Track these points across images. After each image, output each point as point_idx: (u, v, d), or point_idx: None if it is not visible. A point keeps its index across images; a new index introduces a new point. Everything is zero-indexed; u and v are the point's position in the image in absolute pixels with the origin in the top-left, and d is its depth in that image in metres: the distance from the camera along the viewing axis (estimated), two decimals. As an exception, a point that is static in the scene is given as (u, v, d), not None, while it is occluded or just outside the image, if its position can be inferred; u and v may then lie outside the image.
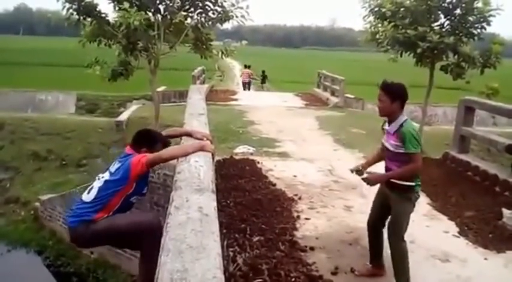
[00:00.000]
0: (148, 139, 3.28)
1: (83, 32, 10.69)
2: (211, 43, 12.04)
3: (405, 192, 3.48)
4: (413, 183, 3.47)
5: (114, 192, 2.99)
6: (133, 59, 10.83)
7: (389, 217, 3.59)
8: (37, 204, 10.93)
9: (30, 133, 15.10)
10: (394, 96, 3.40)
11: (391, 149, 3.47)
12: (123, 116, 15.38)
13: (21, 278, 8.89)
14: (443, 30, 10.23)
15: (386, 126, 3.57)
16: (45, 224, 10.52)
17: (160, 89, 17.01)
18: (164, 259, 1.71)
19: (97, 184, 3.05)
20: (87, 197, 3.03)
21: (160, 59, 11.02)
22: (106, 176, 3.08)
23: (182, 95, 16.09)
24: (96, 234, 2.97)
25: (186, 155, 3.02)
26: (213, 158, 3.21)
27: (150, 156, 3.02)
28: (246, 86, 22.09)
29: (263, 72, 23.57)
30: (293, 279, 3.58)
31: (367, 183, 3.57)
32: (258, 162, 7.31)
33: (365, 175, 3.58)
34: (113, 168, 3.10)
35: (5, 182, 13.21)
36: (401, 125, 3.39)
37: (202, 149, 3.12)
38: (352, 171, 3.76)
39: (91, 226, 2.94)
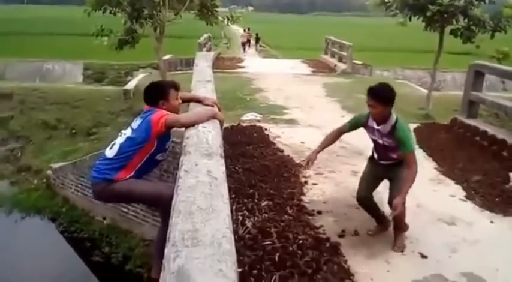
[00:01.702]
0: (159, 91, 3.24)
1: (87, 0, 10.57)
2: (217, 9, 11.87)
3: None
4: None
5: (136, 150, 2.98)
6: (139, 27, 10.74)
7: (393, 185, 3.65)
8: (49, 172, 11.08)
9: (39, 103, 15.22)
10: (386, 102, 3.43)
11: (388, 144, 3.59)
12: (131, 85, 15.37)
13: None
14: (454, -8, 9.98)
15: (373, 125, 3.61)
16: (57, 191, 10.70)
17: (167, 57, 16.90)
18: (175, 220, 1.76)
19: (119, 140, 3.05)
20: (110, 152, 3.03)
21: (166, 27, 10.92)
22: (128, 132, 3.06)
23: (188, 63, 15.99)
24: (116, 195, 3.04)
25: (201, 122, 3.01)
26: (221, 126, 3.24)
27: (169, 117, 2.99)
28: (246, 44, 26.92)
29: (257, 34, 29.18)
30: (301, 242, 3.66)
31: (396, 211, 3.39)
32: (266, 129, 7.34)
33: (394, 212, 3.42)
34: (134, 125, 3.08)
35: (16, 151, 13.42)
36: (394, 127, 3.47)
37: (214, 116, 3.13)
38: (306, 166, 3.94)
39: (112, 186, 2.96)
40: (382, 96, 3.44)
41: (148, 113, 3.07)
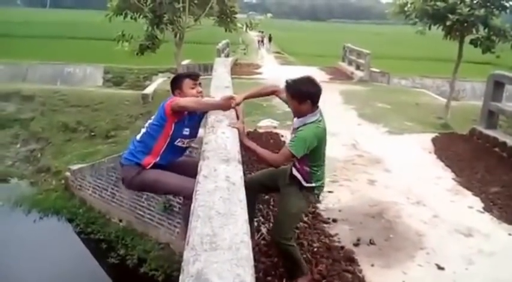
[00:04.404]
0: (174, 81, 3.39)
1: (109, 5, 10.75)
2: (236, 16, 11.94)
3: (304, 191, 3.13)
4: (313, 185, 3.12)
5: (157, 134, 3.14)
6: (159, 32, 10.88)
7: (278, 215, 3.27)
8: (67, 173, 11.24)
9: (60, 105, 15.52)
10: (300, 98, 2.97)
11: None
12: (149, 89, 15.55)
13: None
14: (474, 2, 9.88)
15: (295, 119, 3.16)
16: (75, 193, 10.85)
17: (185, 62, 17.05)
18: (194, 224, 1.78)
19: (146, 124, 3.25)
20: (139, 135, 3.24)
21: (185, 32, 11.03)
22: (152, 118, 3.24)
23: (206, 69, 16.10)
24: (143, 184, 3.22)
25: (211, 109, 3.22)
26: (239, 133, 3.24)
27: (177, 101, 3.10)
28: (260, 42, 32.47)
29: (269, 35, 35.20)
30: (315, 249, 3.67)
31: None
32: (282, 136, 7.35)
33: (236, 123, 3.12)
34: (156, 111, 3.26)
35: (36, 152, 13.67)
36: (304, 124, 3.00)
37: (222, 107, 3.13)
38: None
39: (140, 176, 3.12)
40: (291, 88, 2.99)
41: (165, 101, 3.22)
